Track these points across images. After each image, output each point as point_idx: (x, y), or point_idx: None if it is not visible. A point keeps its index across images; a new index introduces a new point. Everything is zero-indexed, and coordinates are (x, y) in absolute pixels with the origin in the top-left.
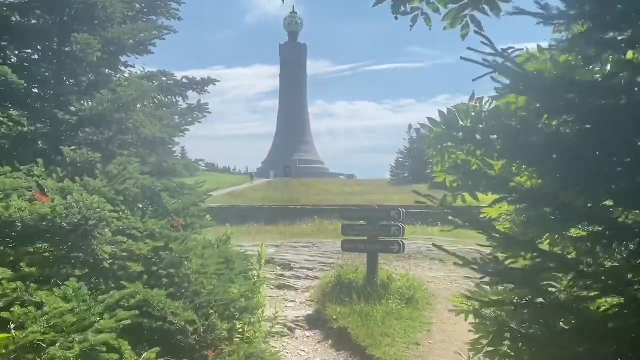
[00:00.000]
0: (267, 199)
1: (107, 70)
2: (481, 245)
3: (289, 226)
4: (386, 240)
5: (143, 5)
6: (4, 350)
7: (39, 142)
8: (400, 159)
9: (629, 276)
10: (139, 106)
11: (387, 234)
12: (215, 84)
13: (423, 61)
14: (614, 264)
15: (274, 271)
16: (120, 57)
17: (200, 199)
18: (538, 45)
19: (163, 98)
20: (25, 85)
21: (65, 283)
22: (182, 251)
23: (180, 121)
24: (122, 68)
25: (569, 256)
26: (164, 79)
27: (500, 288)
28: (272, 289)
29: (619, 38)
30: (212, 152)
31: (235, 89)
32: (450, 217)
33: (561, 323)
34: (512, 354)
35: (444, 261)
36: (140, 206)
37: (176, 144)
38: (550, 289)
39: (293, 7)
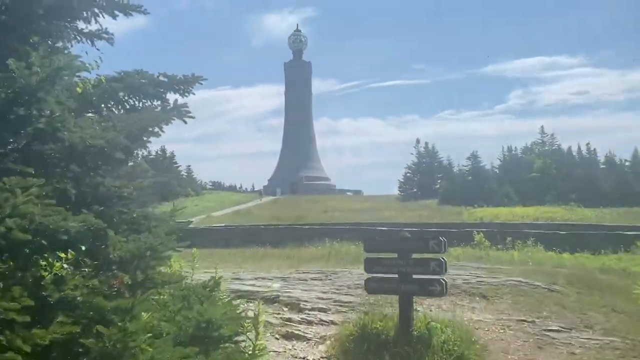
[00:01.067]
0: (274, 217)
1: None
2: None
3: (296, 248)
4: (424, 279)
5: None
6: None
7: None
8: (408, 174)
9: None
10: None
11: (425, 270)
12: (202, 83)
13: (426, 78)
14: None
15: (279, 313)
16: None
17: (171, 235)
18: None
19: (136, 102)
20: None
21: None
22: (119, 338)
23: (141, 124)
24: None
25: None
26: (138, 78)
27: None
28: (277, 338)
29: None
30: (218, 171)
31: (241, 108)
32: None
33: None
34: None
35: (487, 297)
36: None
37: (134, 156)
38: None
39: (297, 25)
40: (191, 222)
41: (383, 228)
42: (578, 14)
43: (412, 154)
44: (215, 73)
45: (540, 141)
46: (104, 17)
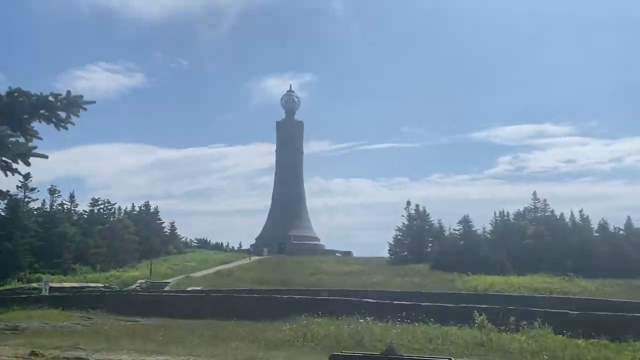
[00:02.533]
0: (257, 280)
1: None
2: None
3: (269, 325)
4: None
5: None
6: None
7: None
8: (398, 237)
9: None
10: None
11: None
12: (84, 109)
13: (417, 141)
14: None
15: None
16: None
17: None
18: None
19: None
20: None
21: None
22: None
23: None
24: None
25: None
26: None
27: None
28: None
29: None
30: (206, 228)
31: (235, 166)
32: None
33: None
34: None
35: None
36: None
37: None
38: None
39: (290, 85)
40: None
41: (370, 300)
42: (564, 84)
43: (402, 216)
44: (211, 131)
45: (532, 207)
46: None
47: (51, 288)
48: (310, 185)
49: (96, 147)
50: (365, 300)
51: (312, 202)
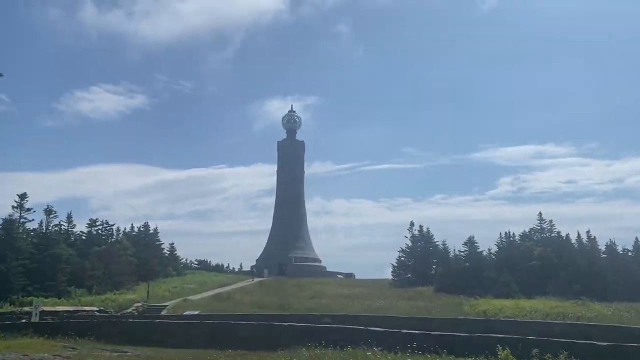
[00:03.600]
0: (256, 304)
1: None
2: None
3: (268, 356)
4: None
5: None
6: None
7: None
8: (402, 258)
9: None
10: None
11: None
12: None
13: (418, 162)
14: None
15: None
16: None
17: None
18: None
19: None
20: None
21: None
22: None
23: None
24: None
25: None
26: None
27: None
28: None
29: None
30: (208, 248)
31: (235, 187)
32: None
33: None
34: None
35: None
36: None
37: None
38: None
39: (291, 105)
40: None
41: (377, 329)
42: (565, 105)
43: (406, 237)
44: (213, 152)
45: (538, 227)
46: None
47: (44, 312)
48: (311, 206)
49: (97, 168)
50: (371, 329)
51: (313, 222)
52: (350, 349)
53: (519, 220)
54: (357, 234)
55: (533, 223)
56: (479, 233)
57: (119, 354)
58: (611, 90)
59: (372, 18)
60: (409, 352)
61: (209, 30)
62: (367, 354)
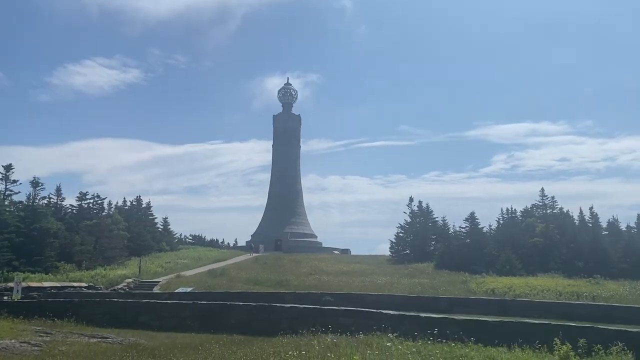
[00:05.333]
0: (252, 280)
1: None
2: None
3: (268, 340)
4: None
5: None
6: None
7: None
8: (400, 234)
9: None
10: None
11: None
12: None
13: (413, 140)
14: None
15: None
16: None
17: None
18: None
19: None
20: None
21: None
22: None
23: None
24: None
25: None
26: None
27: None
28: None
29: None
30: (203, 224)
31: (231, 163)
32: None
33: None
34: None
35: None
36: None
37: None
38: None
39: (287, 78)
40: None
41: (390, 312)
42: (560, 83)
43: (405, 212)
44: (210, 128)
45: (540, 203)
46: None
47: (29, 288)
48: (306, 182)
49: (91, 142)
50: (385, 312)
51: (308, 198)
52: (363, 336)
53: (512, 197)
54: (352, 211)
55: (534, 199)
56: (472, 210)
57: (98, 340)
58: (606, 69)
59: None
60: (430, 340)
61: (212, 5)
62: (387, 344)
